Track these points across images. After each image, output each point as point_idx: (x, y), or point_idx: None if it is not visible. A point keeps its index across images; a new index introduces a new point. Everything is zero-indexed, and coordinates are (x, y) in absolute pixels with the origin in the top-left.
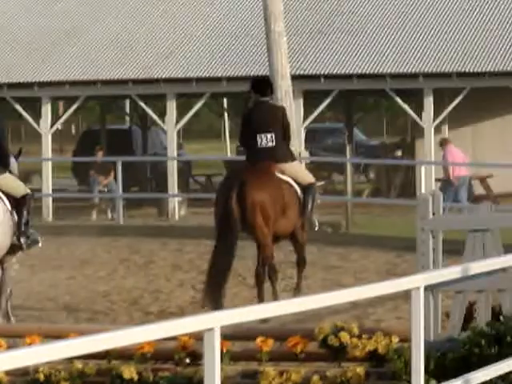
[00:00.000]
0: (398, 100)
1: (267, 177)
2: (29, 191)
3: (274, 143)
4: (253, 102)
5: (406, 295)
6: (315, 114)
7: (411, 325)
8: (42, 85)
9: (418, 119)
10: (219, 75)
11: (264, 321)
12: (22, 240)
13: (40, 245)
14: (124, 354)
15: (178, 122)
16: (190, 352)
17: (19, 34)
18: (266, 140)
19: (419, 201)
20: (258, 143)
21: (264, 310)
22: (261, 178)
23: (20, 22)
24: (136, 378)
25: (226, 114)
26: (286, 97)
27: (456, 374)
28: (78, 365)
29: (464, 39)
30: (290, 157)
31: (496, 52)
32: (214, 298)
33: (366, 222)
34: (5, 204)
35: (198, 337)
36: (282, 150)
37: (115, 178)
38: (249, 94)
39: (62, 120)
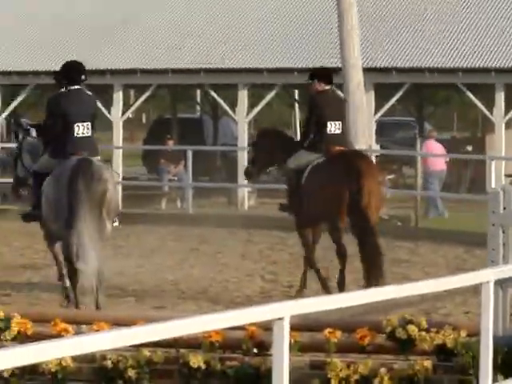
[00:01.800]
0: (470, 94)
1: (373, 165)
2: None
3: (341, 130)
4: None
5: (474, 290)
6: (386, 107)
7: (481, 319)
8: (114, 72)
9: (488, 114)
10: (291, 66)
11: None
12: None
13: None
14: (192, 343)
15: (248, 112)
16: (257, 342)
17: (87, 22)
18: (335, 127)
19: (490, 195)
20: (328, 129)
21: (334, 300)
22: (371, 166)
23: (86, 10)
24: (203, 366)
25: (296, 105)
26: (358, 89)
27: None
28: (146, 352)
29: None
30: None
31: None
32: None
33: (436, 217)
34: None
35: (266, 327)
36: (348, 137)
37: (185, 167)
38: (309, 83)
39: (133, 108)
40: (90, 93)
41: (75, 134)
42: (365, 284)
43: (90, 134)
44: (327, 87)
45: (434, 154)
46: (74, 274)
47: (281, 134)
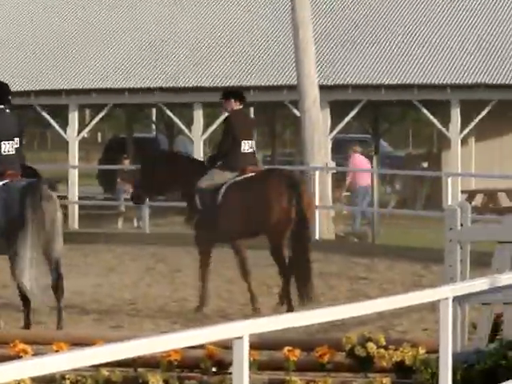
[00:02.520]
0: (425, 111)
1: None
2: None
3: (253, 149)
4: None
5: (431, 307)
6: (342, 124)
7: (439, 336)
8: (69, 92)
9: (444, 130)
10: (247, 84)
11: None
12: None
13: None
14: (150, 362)
15: (204, 131)
16: (216, 361)
17: (44, 41)
18: (248, 146)
19: (447, 212)
20: (242, 148)
21: (292, 319)
22: (303, 185)
23: (44, 29)
24: None
25: None
26: (314, 106)
27: None
28: (105, 372)
29: (491, 51)
30: None
31: None
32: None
33: (392, 233)
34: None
35: (225, 345)
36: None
37: None
38: (223, 102)
39: (88, 128)
40: (8, 111)
41: (2, 152)
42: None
43: (14, 152)
44: (241, 106)
45: (361, 169)
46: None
47: (177, 156)
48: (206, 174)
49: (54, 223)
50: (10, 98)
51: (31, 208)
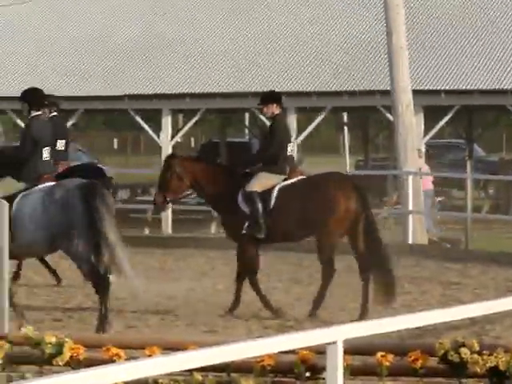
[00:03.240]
0: None
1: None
2: None
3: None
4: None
5: None
6: (435, 129)
7: None
8: (163, 97)
9: None
10: (340, 89)
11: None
12: None
13: None
14: (243, 367)
15: (297, 136)
16: (309, 366)
17: (138, 46)
18: (291, 149)
19: None
20: (288, 151)
21: (385, 324)
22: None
23: (140, 33)
24: None
25: (345, 128)
26: (408, 111)
27: None
28: (198, 377)
29: None
30: None
31: None
32: None
33: (486, 238)
34: None
35: (318, 350)
36: None
37: None
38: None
39: (182, 133)
40: (47, 117)
41: (43, 158)
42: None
43: (49, 158)
44: (280, 110)
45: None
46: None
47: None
48: (251, 178)
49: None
50: (46, 102)
51: (99, 201)
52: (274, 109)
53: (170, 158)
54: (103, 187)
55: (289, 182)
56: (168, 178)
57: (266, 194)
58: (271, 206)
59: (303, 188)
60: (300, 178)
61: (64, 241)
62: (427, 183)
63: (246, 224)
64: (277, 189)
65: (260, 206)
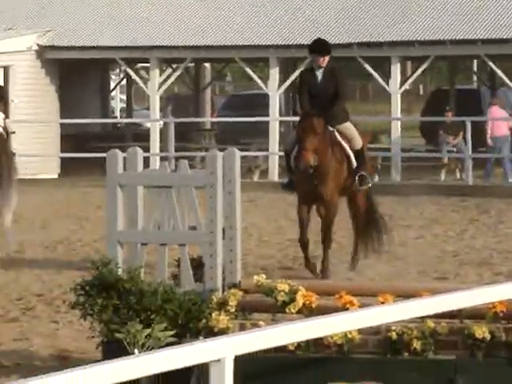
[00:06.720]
0: None
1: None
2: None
3: None
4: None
5: None
6: None
7: None
8: (392, 44)
9: None
10: None
11: None
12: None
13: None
14: (476, 313)
15: None
16: None
17: None
18: None
19: None
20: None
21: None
22: None
23: None
24: (488, 337)
25: None
26: None
27: None
28: (431, 324)
29: None
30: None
31: None
32: None
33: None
34: None
35: None
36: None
37: (464, 138)
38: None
39: (410, 80)
40: None
41: None
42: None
43: None
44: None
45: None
46: None
47: None
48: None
49: None
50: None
51: None
52: (326, 60)
53: None
54: None
55: None
56: None
57: None
58: None
59: None
60: None
61: None
62: (502, 129)
63: None
64: None
65: None
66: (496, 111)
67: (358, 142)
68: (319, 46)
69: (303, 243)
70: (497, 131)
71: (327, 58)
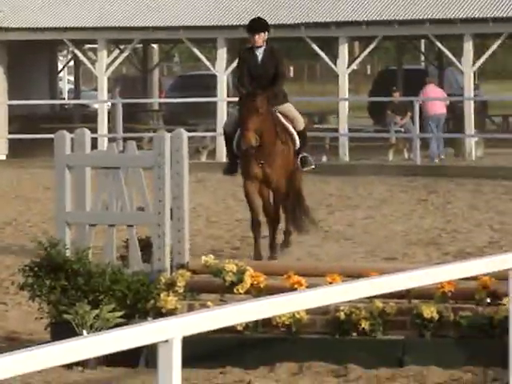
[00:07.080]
0: None
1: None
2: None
3: None
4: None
5: None
6: None
7: None
8: (339, 25)
9: None
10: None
11: None
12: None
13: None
14: (424, 294)
15: (474, 62)
16: (490, 292)
17: None
18: None
19: None
20: None
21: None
22: None
23: None
24: (436, 317)
25: None
26: None
27: None
28: (379, 304)
29: None
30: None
31: None
32: None
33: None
34: None
35: (499, 277)
36: None
37: (412, 118)
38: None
39: (358, 60)
40: None
41: None
42: None
43: None
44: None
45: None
46: None
47: None
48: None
49: None
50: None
51: None
52: (264, 38)
53: None
54: None
55: None
56: None
57: None
58: None
59: None
60: None
61: None
62: (437, 108)
63: None
64: None
65: None
66: (432, 90)
67: (300, 123)
68: (254, 24)
69: (257, 224)
70: (431, 109)
71: (263, 36)
